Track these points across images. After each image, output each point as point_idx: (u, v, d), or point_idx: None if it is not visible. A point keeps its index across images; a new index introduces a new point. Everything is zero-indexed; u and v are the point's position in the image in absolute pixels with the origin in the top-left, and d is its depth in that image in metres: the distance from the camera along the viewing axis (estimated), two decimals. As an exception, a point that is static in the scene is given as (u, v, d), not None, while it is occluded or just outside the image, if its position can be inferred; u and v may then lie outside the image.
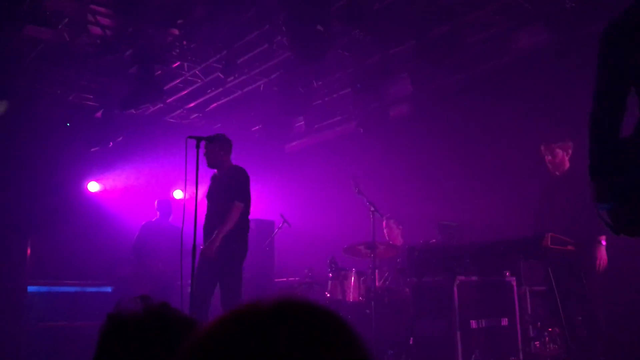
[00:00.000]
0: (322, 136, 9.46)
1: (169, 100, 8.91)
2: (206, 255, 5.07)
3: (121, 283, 8.02)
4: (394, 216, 7.11)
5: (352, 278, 6.35)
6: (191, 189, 4.83)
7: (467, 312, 4.91)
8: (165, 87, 8.09)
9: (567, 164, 5.09)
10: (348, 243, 6.52)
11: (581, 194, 4.86)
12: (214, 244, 5.06)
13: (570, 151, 5.10)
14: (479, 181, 7.01)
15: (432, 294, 5.26)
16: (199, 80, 8.32)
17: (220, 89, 8.58)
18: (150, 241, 7.59)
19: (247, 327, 0.67)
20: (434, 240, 6.09)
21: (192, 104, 9.23)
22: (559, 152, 5.06)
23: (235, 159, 5.58)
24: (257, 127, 9.69)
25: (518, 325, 5.09)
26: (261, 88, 8.54)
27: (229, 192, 5.27)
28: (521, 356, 4.97)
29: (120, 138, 8.65)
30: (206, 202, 5.47)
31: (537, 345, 5.23)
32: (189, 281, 4.78)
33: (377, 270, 6.21)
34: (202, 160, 5.06)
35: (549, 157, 5.09)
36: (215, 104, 9.19)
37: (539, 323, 5.35)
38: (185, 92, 8.70)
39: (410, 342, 5.31)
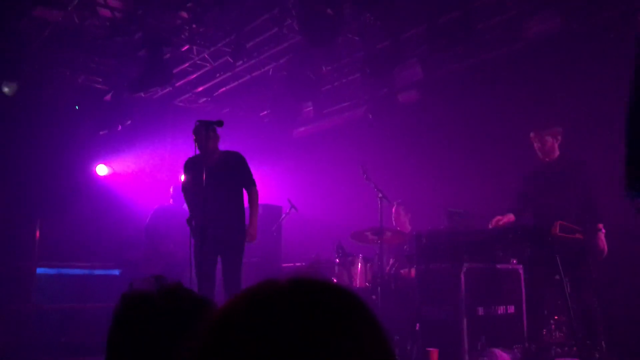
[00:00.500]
0: (330, 121, 9.43)
1: (177, 84, 8.89)
2: (252, 241, 5.34)
3: (130, 266, 8.06)
4: (403, 202, 7.10)
5: (359, 264, 6.36)
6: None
7: (473, 299, 4.92)
8: (174, 71, 8.07)
9: (557, 151, 5.05)
10: (355, 229, 6.51)
11: (572, 181, 4.87)
12: (255, 229, 5.33)
13: (559, 138, 5.06)
14: (488, 168, 6.98)
15: (439, 281, 5.26)
16: (208, 64, 8.29)
17: (229, 73, 8.55)
18: (162, 224, 7.63)
19: (265, 306, 0.67)
20: (441, 227, 6.07)
21: (200, 88, 9.22)
22: (549, 139, 5.03)
23: (244, 143, 5.61)
24: (266, 112, 9.67)
25: (524, 313, 5.09)
26: (270, 72, 8.51)
27: (243, 176, 5.44)
28: (527, 344, 4.98)
29: (129, 121, 8.66)
30: (194, 187, 5.34)
31: (544, 332, 5.24)
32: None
33: (384, 257, 6.22)
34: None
35: (539, 145, 5.06)
36: (224, 88, 9.16)
37: (546, 311, 5.35)
38: (194, 75, 8.68)
39: (417, 328, 5.32)
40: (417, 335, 5.31)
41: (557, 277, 4.44)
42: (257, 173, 5.75)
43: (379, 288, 5.89)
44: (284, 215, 7.89)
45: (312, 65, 7.66)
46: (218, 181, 5.35)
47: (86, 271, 8.29)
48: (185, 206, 7.92)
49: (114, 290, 7.89)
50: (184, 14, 7.09)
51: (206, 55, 8.05)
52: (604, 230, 4.72)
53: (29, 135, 8.28)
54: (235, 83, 8.90)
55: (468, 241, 4.98)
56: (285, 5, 6.66)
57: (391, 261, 6.71)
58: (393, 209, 7.06)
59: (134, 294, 1.19)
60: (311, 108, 9.12)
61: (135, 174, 9.46)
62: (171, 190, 8.07)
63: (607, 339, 4.81)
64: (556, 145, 5.04)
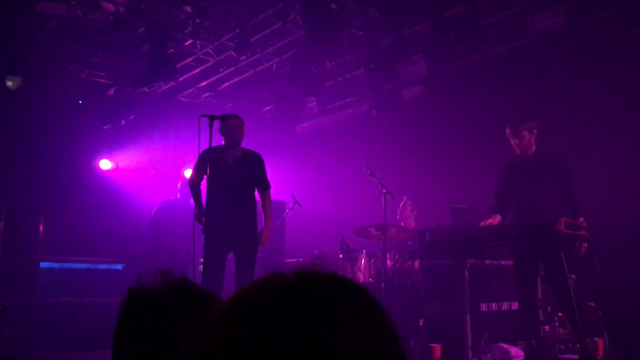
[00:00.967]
0: (334, 117, 9.41)
1: (181, 79, 8.89)
2: (266, 244, 5.31)
3: (133, 260, 8.08)
4: (412, 198, 7.08)
5: (363, 259, 6.36)
6: None
7: (477, 295, 4.92)
8: (178, 65, 8.06)
9: (534, 146, 4.96)
10: (359, 224, 6.51)
11: (552, 176, 4.83)
12: (270, 232, 5.33)
13: (535, 131, 4.95)
14: (492, 164, 6.95)
15: (442, 277, 5.26)
16: (212, 59, 8.28)
17: (233, 68, 8.54)
18: (167, 219, 7.63)
19: (270, 298, 0.67)
20: (445, 224, 6.06)
21: (204, 83, 9.21)
22: (526, 134, 4.94)
23: (247, 138, 5.56)
24: (269, 107, 9.66)
25: (519, 308, 5.08)
26: (274, 67, 8.49)
27: (260, 178, 5.41)
28: (526, 339, 4.97)
29: (132, 116, 8.66)
30: (213, 182, 5.10)
31: (547, 329, 5.23)
32: (202, 260, 4.85)
33: (387, 253, 6.21)
34: (215, 139, 5.04)
35: (516, 141, 4.96)
36: (227, 83, 9.16)
37: (549, 307, 5.35)
38: (198, 70, 8.67)
39: (420, 324, 5.33)
40: (421, 331, 5.32)
41: (561, 273, 4.42)
42: (260, 168, 5.74)
43: (382, 284, 5.89)
44: (287, 211, 7.89)
45: (316, 61, 7.64)
46: (237, 178, 5.28)
47: (89, 265, 8.32)
48: (192, 201, 7.92)
49: (117, 284, 7.93)
50: (188, 9, 7.07)
51: (210, 50, 8.03)
52: (585, 225, 4.65)
53: (32, 130, 8.29)
54: (239, 78, 8.89)
55: (472, 237, 4.96)
56: (289, 0, 6.64)
57: (395, 257, 6.71)
58: (401, 204, 7.03)
59: (140, 289, 1.18)
60: (315, 103, 9.11)
61: (139, 169, 9.47)
62: (179, 185, 8.05)
63: (610, 336, 4.80)
64: (533, 140, 4.95)
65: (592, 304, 5.14)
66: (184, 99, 9.83)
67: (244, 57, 7.92)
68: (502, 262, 5.37)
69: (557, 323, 5.30)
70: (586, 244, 4.67)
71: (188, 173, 9.73)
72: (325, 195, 9.06)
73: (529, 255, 4.83)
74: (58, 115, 8.61)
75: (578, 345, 4.61)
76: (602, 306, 5.02)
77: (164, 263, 7.30)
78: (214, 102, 9.82)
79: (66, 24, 7.18)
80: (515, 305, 5.22)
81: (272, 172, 8.72)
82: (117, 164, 9.41)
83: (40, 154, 8.33)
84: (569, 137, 5.51)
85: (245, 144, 5.52)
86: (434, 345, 4.97)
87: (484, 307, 5.09)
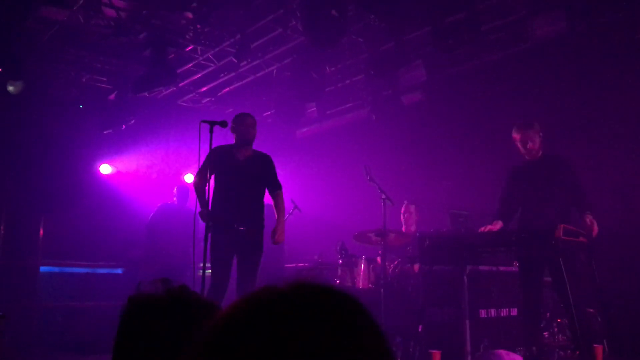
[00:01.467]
0: (334, 122, 9.43)
1: (181, 84, 8.91)
2: (281, 241, 5.22)
3: (132, 265, 8.08)
4: (414, 202, 7.08)
5: (362, 265, 6.36)
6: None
7: (476, 301, 4.92)
8: (179, 71, 8.09)
9: (541, 149, 4.95)
10: (358, 230, 6.52)
11: (560, 178, 4.82)
12: (284, 228, 5.26)
13: (541, 134, 4.94)
14: (491, 170, 6.97)
15: (442, 283, 5.26)
16: (212, 64, 8.31)
17: (233, 73, 8.56)
18: (163, 223, 7.64)
19: (264, 310, 0.68)
20: (444, 229, 6.07)
21: (204, 88, 9.23)
22: (537, 137, 4.95)
23: (247, 143, 5.54)
24: (269, 112, 9.68)
25: (521, 315, 5.09)
26: (274, 73, 8.52)
27: (273, 178, 5.33)
28: (527, 345, 4.97)
29: (133, 121, 8.68)
30: (223, 180, 5.12)
31: (546, 335, 5.23)
32: (201, 265, 4.81)
33: (387, 258, 6.21)
34: (216, 144, 5.04)
35: (530, 144, 4.93)
36: (227, 88, 9.18)
37: (548, 314, 5.35)
38: (198, 75, 8.70)
39: (419, 330, 5.33)
40: (420, 337, 5.31)
41: (560, 279, 4.43)
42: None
43: (382, 289, 5.89)
44: (287, 216, 7.87)
45: (316, 66, 7.66)
46: (250, 177, 5.20)
47: (89, 270, 8.33)
48: (188, 205, 7.89)
49: (117, 288, 7.94)
50: (189, 14, 7.10)
51: (210, 56, 8.06)
52: (591, 222, 4.61)
53: (33, 134, 8.31)
54: (239, 83, 8.92)
55: (471, 243, 4.96)
56: (290, 7, 6.67)
57: (394, 263, 6.71)
58: (402, 208, 7.03)
59: (140, 297, 1.19)
60: (315, 109, 9.13)
61: (139, 173, 9.49)
62: (175, 190, 8.06)
63: (609, 342, 4.80)
64: (540, 143, 4.95)
65: (591, 310, 5.14)
66: (184, 104, 9.85)
67: (245, 62, 7.95)
68: (502, 268, 5.37)
69: (556, 329, 5.30)
70: (585, 250, 4.68)
71: (188, 178, 9.77)
72: (325, 201, 9.07)
73: (530, 261, 4.84)
74: (59, 119, 8.64)
75: (577, 352, 4.61)
76: (602, 312, 5.02)
77: (162, 267, 7.30)
78: (215, 107, 9.85)
79: (68, 29, 7.21)
80: (514, 312, 5.23)
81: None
82: (117, 168, 9.43)
83: (40, 158, 8.35)
84: (568, 142, 5.52)
85: None
86: (433, 351, 4.96)
87: (483, 313, 5.09)
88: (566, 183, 4.82)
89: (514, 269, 5.32)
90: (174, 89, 9.09)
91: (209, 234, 4.78)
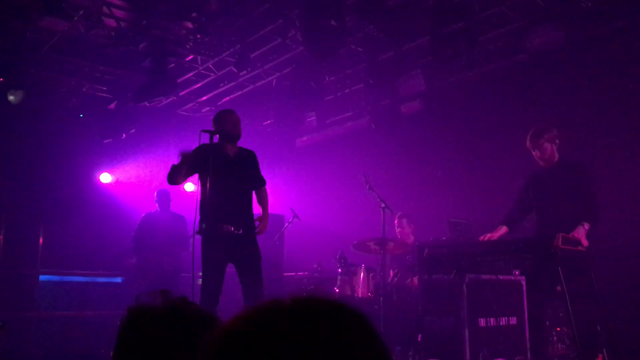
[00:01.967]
0: (333, 131, 9.46)
1: (181, 93, 8.95)
2: (263, 232, 4.98)
3: (128, 273, 8.05)
4: (406, 214, 7.09)
5: (362, 274, 6.36)
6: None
7: (475, 310, 4.91)
8: (179, 80, 8.12)
9: (557, 155, 4.93)
10: (358, 239, 6.52)
11: (575, 184, 4.82)
12: (267, 221, 5.04)
13: (557, 141, 4.90)
14: (490, 179, 7.00)
15: (441, 292, 5.26)
16: (212, 74, 8.35)
17: (233, 83, 8.60)
18: (147, 233, 7.52)
19: (268, 325, 0.68)
20: (443, 238, 6.08)
21: (204, 97, 9.27)
22: (547, 146, 4.91)
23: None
24: (269, 122, 9.71)
25: (526, 325, 5.08)
26: (273, 82, 8.55)
27: (259, 174, 5.15)
28: (529, 355, 4.97)
29: (133, 130, 8.70)
30: (214, 180, 4.77)
31: (546, 345, 5.22)
32: (197, 272, 4.66)
33: (386, 267, 6.21)
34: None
35: (538, 154, 4.94)
36: (227, 98, 9.21)
37: (548, 323, 5.34)
38: (198, 85, 8.73)
39: (419, 339, 5.32)
40: (419, 346, 5.30)
41: (559, 289, 4.43)
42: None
43: (381, 298, 5.89)
44: (286, 225, 7.90)
45: (316, 76, 7.70)
46: (240, 173, 4.98)
47: (88, 279, 8.32)
48: (170, 210, 7.74)
49: (116, 298, 7.93)
50: (189, 25, 7.14)
51: (210, 65, 8.10)
52: (587, 227, 4.60)
53: (33, 143, 8.34)
54: (239, 92, 8.95)
55: (470, 252, 4.97)
56: (289, 17, 6.71)
57: (393, 272, 6.72)
58: (395, 222, 7.06)
59: (139, 308, 1.20)
60: (314, 118, 9.15)
61: (139, 183, 9.49)
62: (155, 195, 7.84)
63: (609, 351, 4.80)
64: (555, 150, 4.93)
65: (591, 318, 5.13)
66: (184, 113, 9.88)
67: (244, 72, 7.98)
68: (501, 277, 5.37)
69: (555, 338, 5.30)
70: (585, 260, 4.68)
71: (188, 187, 9.78)
72: (324, 209, 9.08)
73: (532, 270, 4.84)
74: (59, 128, 8.66)
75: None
76: (602, 321, 5.01)
77: (154, 277, 7.23)
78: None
79: (68, 39, 7.25)
80: (513, 321, 5.22)
81: (272, 186, 8.75)
82: (117, 177, 9.44)
83: (41, 167, 8.37)
84: (566, 152, 5.53)
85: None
86: (432, 360, 4.96)
87: (482, 322, 5.08)
88: (578, 190, 4.80)
89: (513, 277, 5.32)
90: (174, 98, 9.12)
91: (200, 239, 4.57)
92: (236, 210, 4.86)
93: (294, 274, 8.07)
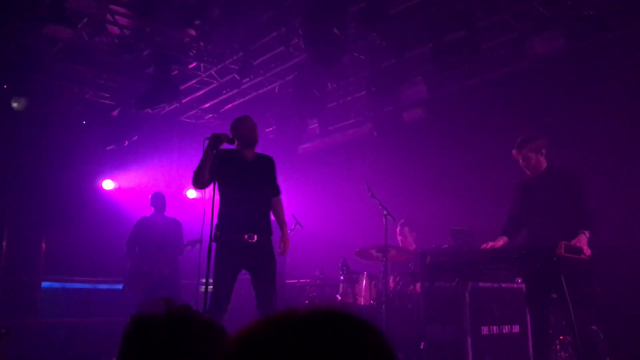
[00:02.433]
0: (335, 138, 9.47)
1: (184, 100, 8.97)
2: (285, 252, 4.90)
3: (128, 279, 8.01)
4: (408, 222, 7.08)
5: (364, 281, 6.36)
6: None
7: (478, 318, 4.90)
8: (181, 87, 8.15)
9: (544, 164, 4.90)
10: (360, 246, 6.52)
11: (564, 194, 4.80)
12: (288, 239, 4.97)
13: (544, 150, 4.88)
14: (492, 186, 6.99)
15: (443, 299, 5.25)
16: (215, 81, 8.37)
17: (236, 90, 8.63)
18: (142, 237, 7.43)
19: (282, 335, 0.68)
20: (446, 245, 6.07)
21: (207, 105, 9.29)
22: (532, 155, 4.88)
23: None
24: (271, 128, 9.73)
25: (529, 333, 5.07)
26: (276, 90, 8.58)
27: (275, 182, 5.05)
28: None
29: (136, 137, 8.72)
30: (233, 185, 4.73)
31: (549, 353, 5.20)
32: (195, 279, 4.60)
33: (388, 274, 6.21)
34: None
35: (522, 162, 4.93)
36: (230, 105, 9.24)
37: (551, 331, 5.33)
38: (201, 92, 8.76)
39: (421, 347, 5.31)
40: (422, 354, 5.29)
41: (562, 297, 4.42)
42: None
43: (383, 306, 5.88)
44: (288, 232, 7.87)
45: (318, 83, 7.72)
46: (259, 179, 4.89)
47: (91, 285, 8.32)
48: (165, 214, 7.68)
49: (119, 304, 7.91)
50: (192, 32, 7.18)
51: (213, 73, 8.13)
52: (587, 235, 4.58)
53: (36, 150, 8.36)
54: (242, 100, 8.98)
55: (473, 260, 4.96)
56: (292, 25, 6.74)
57: (395, 279, 6.70)
58: (397, 230, 7.05)
59: (142, 317, 1.20)
60: (316, 125, 9.17)
61: (141, 189, 9.50)
62: (150, 198, 7.77)
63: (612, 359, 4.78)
64: (541, 159, 4.88)
65: (594, 327, 5.12)
66: (187, 120, 9.91)
67: (247, 79, 8.01)
68: (504, 285, 5.36)
69: (558, 347, 5.28)
70: (587, 268, 4.66)
71: (191, 193, 9.79)
72: (326, 216, 9.07)
73: (534, 279, 4.83)
74: (62, 135, 8.69)
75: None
76: (605, 330, 5.00)
77: (147, 281, 7.17)
78: (217, 123, 9.90)
79: (72, 47, 7.28)
80: (516, 328, 5.20)
81: (274, 193, 8.77)
82: (120, 184, 9.45)
83: (43, 173, 8.39)
84: (567, 159, 5.53)
85: None
86: (434, 368, 4.94)
87: (485, 330, 5.06)
88: (568, 198, 4.78)
89: (516, 285, 5.31)
90: (177, 105, 9.15)
91: (214, 246, 4.40)
92: (253, 217, 4.75)
93: (296, 281, 8.06)
